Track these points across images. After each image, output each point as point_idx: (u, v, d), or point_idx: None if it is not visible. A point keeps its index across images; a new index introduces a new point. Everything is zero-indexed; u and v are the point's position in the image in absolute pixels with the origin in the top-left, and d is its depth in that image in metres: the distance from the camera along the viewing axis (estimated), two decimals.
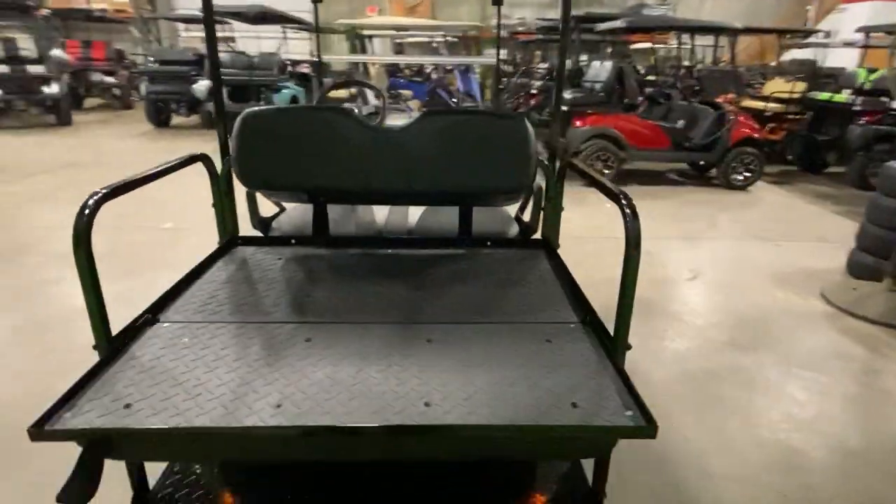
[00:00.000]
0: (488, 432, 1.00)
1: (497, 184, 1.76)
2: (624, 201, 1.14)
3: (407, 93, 8.69)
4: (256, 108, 1.70)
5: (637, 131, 6.07)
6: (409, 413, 1.01)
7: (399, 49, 12.83)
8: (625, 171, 6.29)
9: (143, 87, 9.11)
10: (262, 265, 1.72)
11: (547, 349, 1.25)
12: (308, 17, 6.32)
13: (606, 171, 6.06)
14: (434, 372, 1.14)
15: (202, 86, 8.17)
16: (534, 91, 7.94)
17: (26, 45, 9.26)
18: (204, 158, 1.70)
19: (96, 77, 11.13)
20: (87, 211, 1.09)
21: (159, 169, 1.41)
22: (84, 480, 0.94)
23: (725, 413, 2.27)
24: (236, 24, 8.28)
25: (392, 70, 10.12)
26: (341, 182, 1.75)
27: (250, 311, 1.41)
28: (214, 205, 1.84)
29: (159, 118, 9.23)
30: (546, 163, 1.93)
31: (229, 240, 1.87)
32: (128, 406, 1.01)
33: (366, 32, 9.49)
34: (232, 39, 10.29)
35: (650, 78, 8.67)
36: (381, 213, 2.21)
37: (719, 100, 6.54)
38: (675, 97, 6.61)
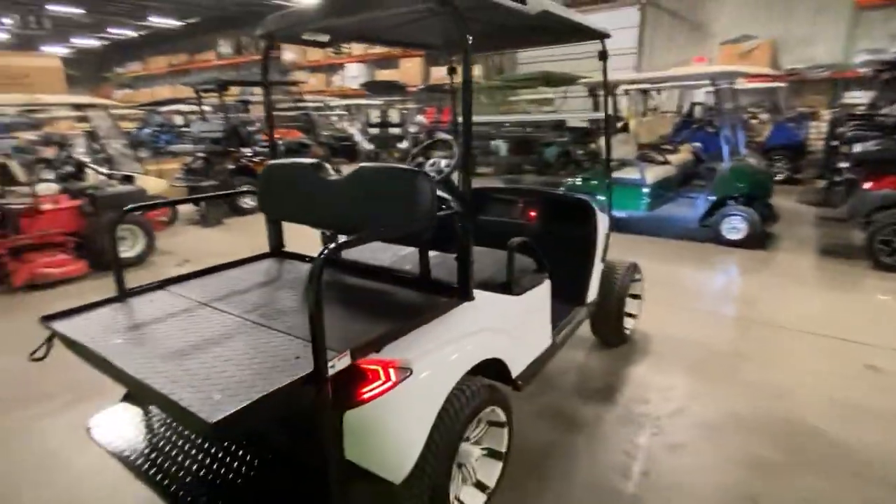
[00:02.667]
0: None
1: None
2: None
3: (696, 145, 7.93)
4: (274, 161, 2.28)
5: None
6: None
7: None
8: None
9: None
10: (250, 272, 2.29)
11: None
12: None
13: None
14: None
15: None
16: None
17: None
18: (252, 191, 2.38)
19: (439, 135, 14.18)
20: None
21: None
22: None
23: None
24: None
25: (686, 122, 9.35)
26: (307, 216, 2.20)
27: (212, 298, 1.97)
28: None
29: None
30: None
31: (264, 253, 2.52)
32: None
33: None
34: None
35: None
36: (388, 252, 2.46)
37: None
38: None
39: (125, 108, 13.39)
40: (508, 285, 2.18)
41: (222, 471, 1.68)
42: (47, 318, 1.77)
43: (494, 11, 1.93)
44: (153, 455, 1.76)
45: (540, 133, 9.18)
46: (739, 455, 2.38)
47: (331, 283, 2.13)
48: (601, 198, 6.02)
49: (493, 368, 2.08)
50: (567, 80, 9.11)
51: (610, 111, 6.80)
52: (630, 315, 3.48)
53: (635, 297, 3.53)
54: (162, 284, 2.10)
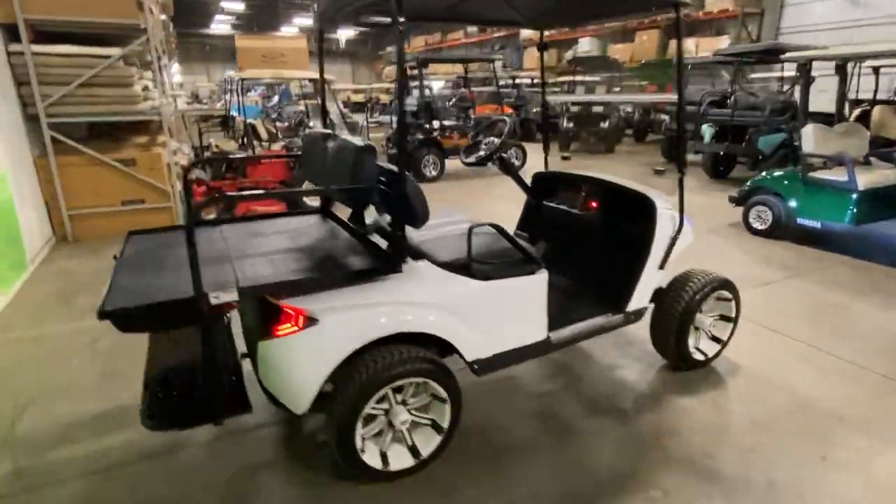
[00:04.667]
0: None
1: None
2: None
3: None
4: (307, 132, 2.63)
5: None
6: None
7: None
8: None
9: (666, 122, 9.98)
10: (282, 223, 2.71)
11: None
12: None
13: None
14: None
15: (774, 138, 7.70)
16: None
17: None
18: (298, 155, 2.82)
19: (658, 116, 12.88)
20: None
21: None
22: None
23: None
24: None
25: None
26: (315, 178, 2.64)
27: (236, 235, 2.47)
28: None
29: (716, 169, 8.50)
30: None
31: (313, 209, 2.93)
32: None
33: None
34: None
35: None
36: None
37: None
38: None
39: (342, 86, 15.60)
40: (467, 268, 2.16)
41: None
42: (132, 233, 2.50)
43: None
44: None
45: (753, 117, 7.67)
46: None
47: (302, 230, 2.45)
48: (793, 203, 4.97)
49: (447, 345, 2.15)
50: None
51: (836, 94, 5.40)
52: (715, 339, 2.95)
53: (726, 319, 2.97)
54: (216, 222, 2.67)
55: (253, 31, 26.01)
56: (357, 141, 2.16)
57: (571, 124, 11.31)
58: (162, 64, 7.60)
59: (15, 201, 4.48)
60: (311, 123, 8.60)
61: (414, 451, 2.17)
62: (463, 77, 11.84)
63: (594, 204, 2.99)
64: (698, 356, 2.91)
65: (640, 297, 2.71)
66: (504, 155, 3.06)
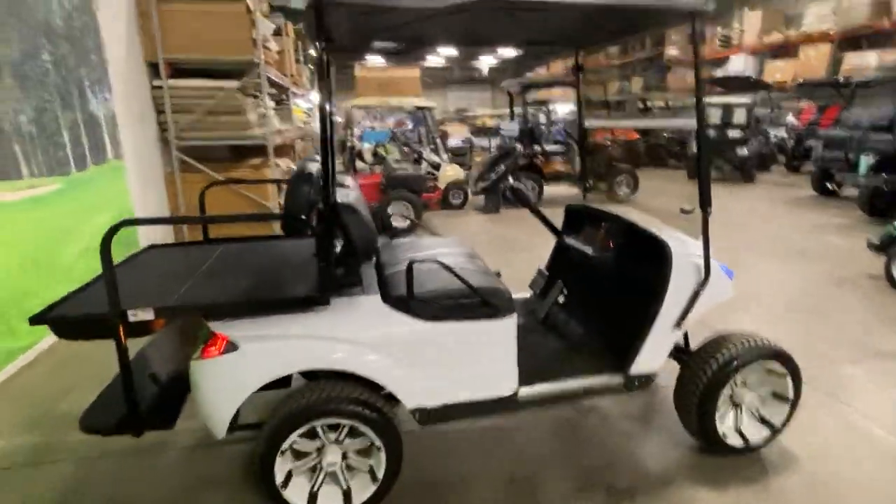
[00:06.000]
0: None
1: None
2: None
3: None
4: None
5: None
6: None
7: None
8: None
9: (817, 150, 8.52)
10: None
11: None
12: None
13: None
14: None
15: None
16: None
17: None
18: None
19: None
20: None
21: None
22: None
23: None
24: None
25: None
26: None
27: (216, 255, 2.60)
28: None
29: (824, 186, 8.45)
30: None
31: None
32: None
33: None
34: None
35: None
36: None
37: None
38: None
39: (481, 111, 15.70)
40: (405, 303, 1.98)
41: None
42: (152, 246, 2.75)
43: None
44: None
45: None
46: None
47: (290, 254, 2.44)
48: None
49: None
50: None
51: None
52: (765, 422, 2.36)
53: (780, 398, 2.36)
54: (220, 241, 2.80)
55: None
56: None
57: None
58: (290, 92, 8.51)
59: (141, 210, 5.29)
60: (420, 149, 8.92)
61: (347, 496, 2.04)
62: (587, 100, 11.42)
63: (611, 244, 2.60)
64: (734, 441, 2.34)
65: (649, 360, 2.27)
66: (518, 185, 2.81)
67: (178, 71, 6.03)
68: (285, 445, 1.92)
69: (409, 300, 1.99)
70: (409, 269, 1.97)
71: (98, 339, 1.83)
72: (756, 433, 2.37)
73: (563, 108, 15.74)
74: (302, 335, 1.90)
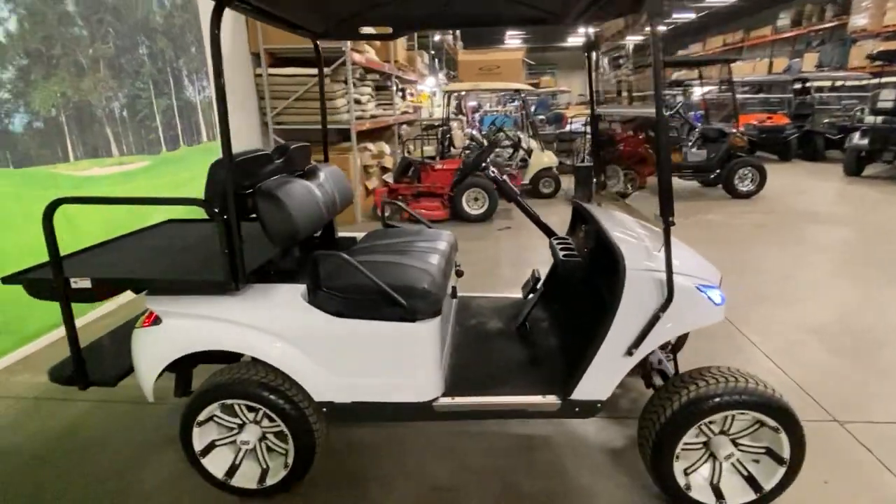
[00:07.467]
0: None
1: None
2: None
3: None
4: None
5: None
6: None
7: None
8: None
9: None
10: None
11: None
12: None
13: None
14: None
15: None
16: None
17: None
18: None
19: None
20: None
21: None
22: None
23: None
24: None
25: None
26: None
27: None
28: None
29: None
30: None
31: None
32: None
33: None
34: None
35: None
36: None
37: None
38: None
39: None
40: (314, 295, 1.93)
41: None
42: (170, 221, 3.04)
43: None
44: None
45: None
46: None
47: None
48: None
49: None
50: None
51: None
52: (752, 483, 1.91)
53: (775, 458, 1.88)
54: None
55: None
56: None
57: (865, 141, 8.36)
58: (394, 78, 8.78)
59: None
60: (518, 136, 8.65)
61: (263, 475, 2.10)
62: (727, 80, 10.06)
63: (585, 250, 2.27)
64: (703, 497, 1.93)
65: (595, 386, 1.96)
66: (495, 176, 2.57)
67: (278, 60, 6.56)
68: (201, 417, 2.03)
69: (314, 291, 1.96)
70: (314, 261, 1.93)
71: (53, 300, 2.07)
72: (737, 494, 1.93)
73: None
74: (209, 317, 1.97)
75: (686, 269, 1.92)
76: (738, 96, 11.78)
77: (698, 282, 1.90)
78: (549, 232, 2.73)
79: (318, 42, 2.86)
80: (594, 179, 2.73)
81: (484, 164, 2.62)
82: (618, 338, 1.89)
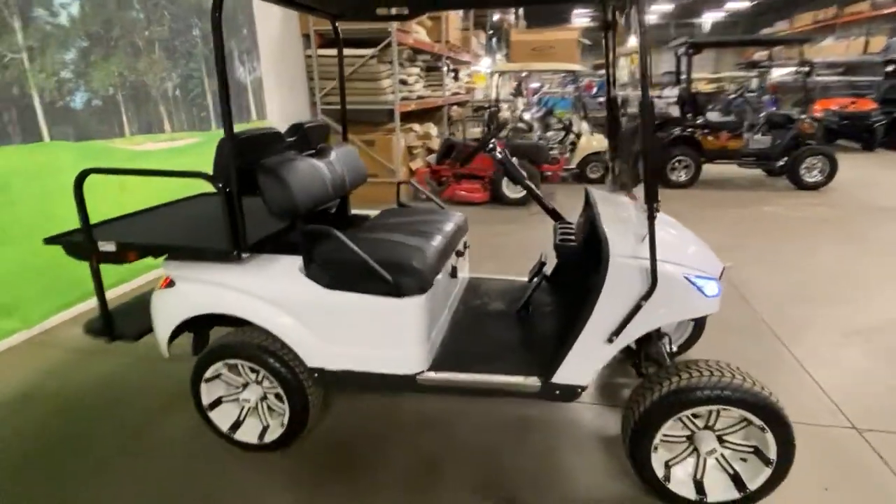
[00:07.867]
0: None
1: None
2: None
3: None
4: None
5: None
6: None
7: None
8: None
9: None
10: None
11: None
12: None
13: None
14: None
15: None
16: None
17: None
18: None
19: None
20: None
21: None
22: None
23: None
24: None
25: None
26: None
27: None
28: None
29: None
30: None
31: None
32: None
33: None
34: None
35: None
36: None
37: None
38: None
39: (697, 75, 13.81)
40: (308, 266, 2.03)
41: None
42: (202, 194, 3.25)
43: None
44: None
45: None
46: None
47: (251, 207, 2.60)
48: None
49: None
50: None
51: None
52: (737, 482, 1.86)
53: (764, 461, 1.81)
54: None
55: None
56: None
57: None
58: (445, 59, 8.77)
59: None
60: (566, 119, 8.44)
61: (263, 431, 2.26)
62: (802, 61, 9.32)
63: (582, 236, 2.23)
64: (683, 491, 1.89)
65: (575, 372, 1.95)
66: (503, 157, 2.56)
67: (327, 41, 6.73)
68: (208, 374, 2.20)
69: (308, 264, 2.06)
70: (306, 234, 2.03)
71: (84, 261, 2.29)
72: (720, 491, 1.87)
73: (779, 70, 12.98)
74: (215, 282, 2.12)
75: (676, 258, 1.86)
76: (821, 79, 10.85)
77: (688, 271, 1.84)
78: (555, 216, 2.70)
79: (336, 24, 2.93)
80: (608, 164, 2.66)
81: (490, 146, 2.62)
82: (599, 324, 1.87)
